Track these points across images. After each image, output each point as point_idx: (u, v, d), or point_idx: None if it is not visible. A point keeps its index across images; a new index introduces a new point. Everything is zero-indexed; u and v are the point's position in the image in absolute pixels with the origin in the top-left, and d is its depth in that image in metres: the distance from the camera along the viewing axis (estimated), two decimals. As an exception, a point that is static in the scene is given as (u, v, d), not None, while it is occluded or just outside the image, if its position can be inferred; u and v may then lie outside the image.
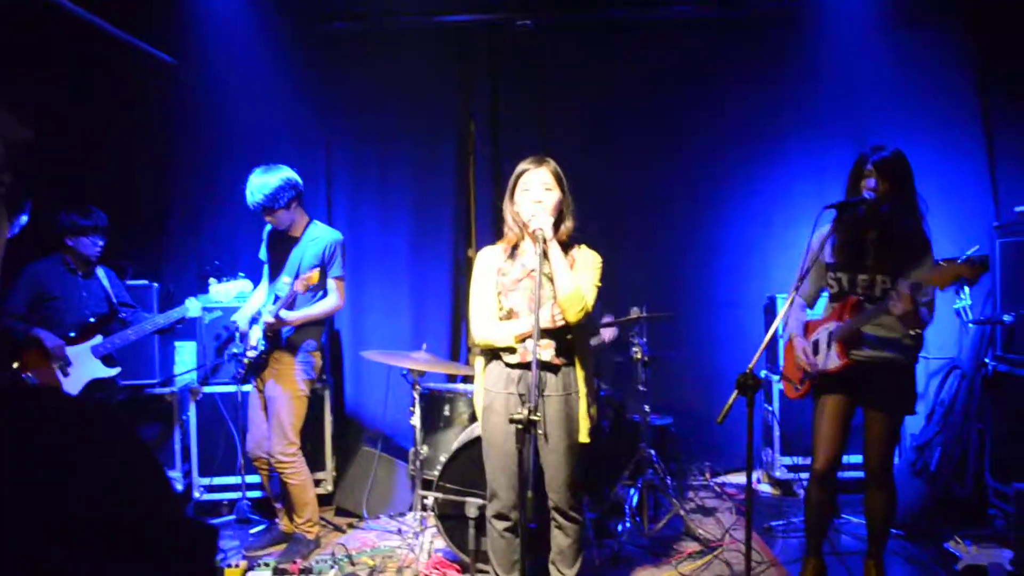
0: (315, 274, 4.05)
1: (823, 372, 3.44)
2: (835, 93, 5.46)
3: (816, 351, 3.50)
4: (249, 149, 5.10)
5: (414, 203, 5.69)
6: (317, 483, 4.76)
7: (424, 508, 4.22)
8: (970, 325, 4.79)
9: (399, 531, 4.62)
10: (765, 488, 5.41)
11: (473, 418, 4.23)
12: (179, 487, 5.06)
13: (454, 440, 4.19)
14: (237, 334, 4.31)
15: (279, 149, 4.86)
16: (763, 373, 5.39)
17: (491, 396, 3.26)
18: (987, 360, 4.71)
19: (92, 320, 4.34)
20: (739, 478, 5.47)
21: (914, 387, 3.46)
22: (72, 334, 4.26)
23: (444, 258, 5.70)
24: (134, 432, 0.86)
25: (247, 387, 4.39)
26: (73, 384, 4.22)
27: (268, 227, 4.39)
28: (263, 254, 4.43)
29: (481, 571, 3.80)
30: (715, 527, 4.59)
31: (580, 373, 3.25)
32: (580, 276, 3.18)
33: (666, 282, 5.60)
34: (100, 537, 0.76)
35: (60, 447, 0.79)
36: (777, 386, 5.19)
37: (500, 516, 3.30)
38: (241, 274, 4.46)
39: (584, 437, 3.24)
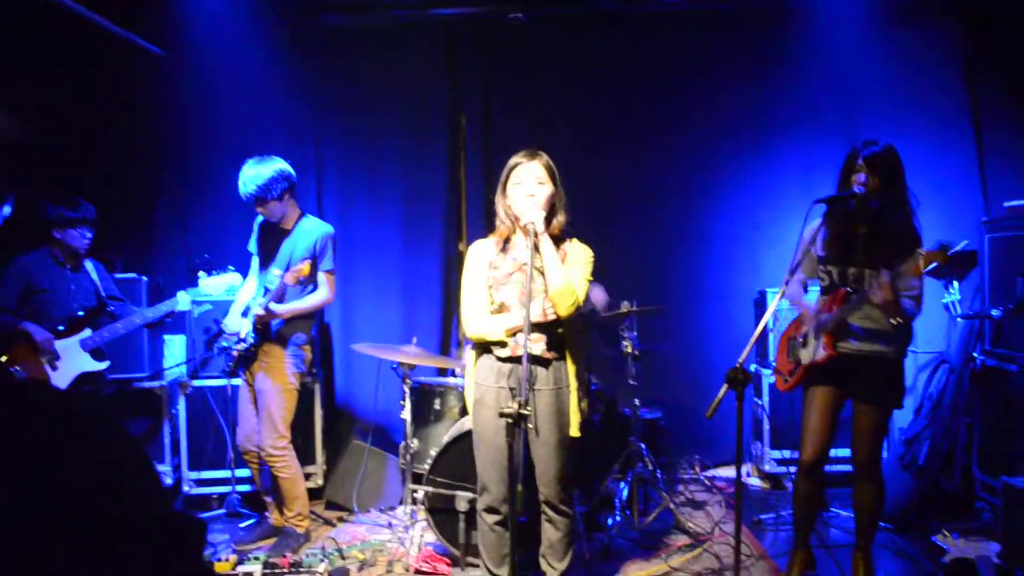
0: (306, 266, 4.04)
1: (812, 364, 3.45)
2: (826, 88, 5.47)
3: (805, 344, 3.52)
4: (239, 142, 5.07)
5: (404, 197, 5.68)
6: (307, 477, 4.76)
7: (414, 502, 4.23)
8: (959, 320, 4.81)
9: (389, 525, 4.62)
10: (755, 481, 5.43)
11: (463, 412, 4.23)
12: (168, 481, 5.04)
13: (444, 434, 4.19)
14: (226, 333, 4.29)
15: (269, 142, 4.84)
16: (753, 367, 5.41)
17: (482, 390, 3.26)
18: (975, 354, 4.73)
19: (81, 314, 4.32)
20: (729, 471, 5.49)
21: (902, 381, 3.48)
22: (61, 328, 4.24)
23: (435, 252, 5.69)
24: (122, 426, 0.85)
25: (237, 380, 4.38)
26: (62, 378, 4.20)
27: (259, 219, 4.37)
28: (252, 246, 4.41)
29: (471, 564, 3.81)
30: (705, 520, 4.61)
31: (571, 367, 3.25)
32: (571, 270, 3.18)
33: (657, 276, 5.60)
34: (88, 532, 0.76)
35: (48, 441, 0.78)
36: (767, 380, 5.21)
37: (490, 510, 3.30)
38: (231, 267, 4.44)
39: (575, 431, 3.25)
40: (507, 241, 3.30)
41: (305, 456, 4.84)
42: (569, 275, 3.15)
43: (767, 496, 5.13)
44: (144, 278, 5.14)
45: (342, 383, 5.70)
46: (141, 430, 5.04)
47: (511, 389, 3.15)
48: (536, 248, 3.09)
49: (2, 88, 4.77)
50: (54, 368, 4.19)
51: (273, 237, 4.28)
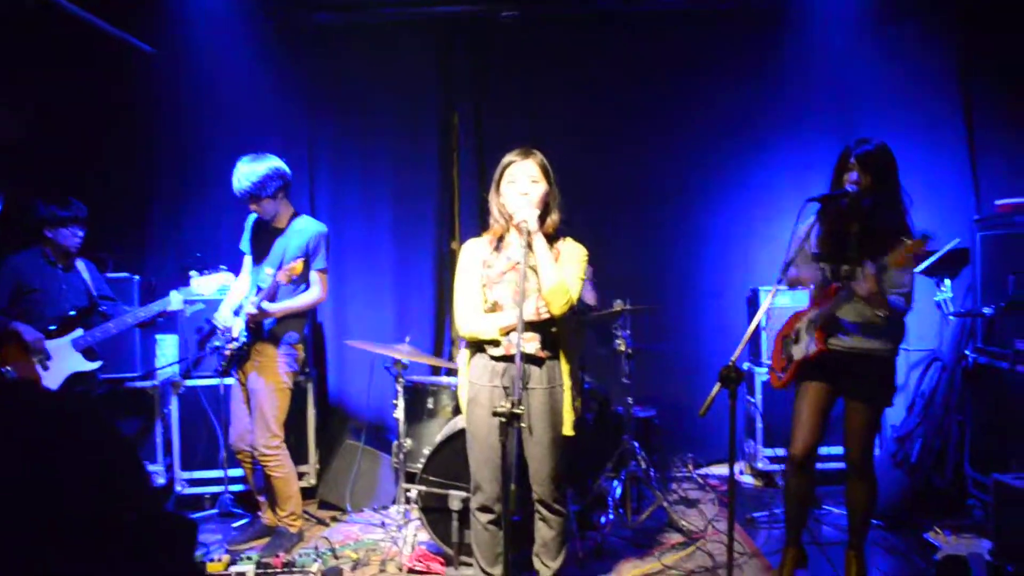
0: (299, 265, 4.03)
1: (804, 359, 3.46)
2: (820, 88, 5.49)
3: (797, 340, 3.53)
4: (231, 140, 5.07)
5: (397, 196, 5.67)
6: (300, 476, 4.75)
7: (408, 501, 4.22)
8: (951, 317, 4.82)
9: (383, 524, 4.61)
10: (747, 479, 5.44)
11: (457, 411, 4.23)
12: (161, 481, 5.03)
13: (438, 433, 4.19)
14: (219, 329, 4.28)
15: (261, 140, 4.82)
16: (746, 365, 5.42)
17: (476, 389, 3.25)
18: (967, 352, 4.75)
19: (72, 313, 4.30)
20: (722, 470, 5.50)
21: (893, 379, 3.49)
22: (52, 327, 4.22)
23: (427, 251, 5.68)
24: (114, 427, 0.85)
25: (229, 380, 4.36)
26: (53, 378, 4.18)
27: (251, 217, 4.36)
28: (245, 244, 4.40)
29: (465, 564, 3.80)
30: (698, 518, 4.61)
31: (565, 366, 3.25)
32: (565, 269, 3.18)
33: (650, 275, 5.60)
34: (82, 532, 0.75)
35: (40, 442, 0.78)
36: (760, 378, 5.22)
37: (484, 509, 3.30)
38: (223, 267, 4.43)
39: (568, 430, 3.25)
40: (501, 240, 3.29)
41: (298, 455, 4.84)
42: (563, 274, 3.14)
43: (760, 494, 5.15)
44: (136, 277, 5.12)
45: (335, 382, 5.69)
46: (133, 430, 5.01)
47: (505, 388, 3.15)
48: (529, 247, 3.09)
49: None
50: (45, 368, 4.17)
51: (266, 236, 4.27)
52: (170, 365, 5.11)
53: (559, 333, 3.23)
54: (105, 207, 4.78)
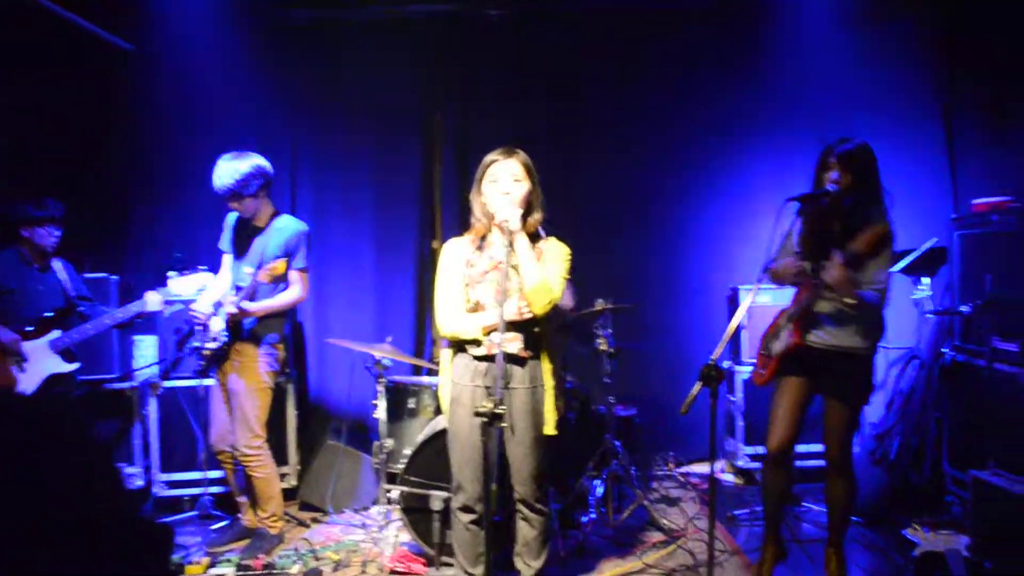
0: (280, 264, 4.01)
1: (782, 353, 3.48)
2: (801, 88, 5.52)
3: (777, 336, 3.55)
4: (210, 138, 5.03)
5: (379, 195, 5.65)
6: (281, 477, 4.72)
7: (389, 501, 4.21)
8: (929, 316, 4.86)
9: (364, 525, 4.59)
10: (728, 477, 5.47)
11: (438, 411, 4.22)
12: (140, 483, 4.98)
13: (419, 433, 4.18)
14: (198, 326, 4.25)
15: (241, 138, 4.79)
16: (726, 364, 5.44)
17: (458, 388, 3.24)
18: (945, 350, 4.79)
19: (49, 314, 4.25)
20: (703, 468, 5.53)
21: (872, 377, 3.52)
22: (29, 328, 4.18)
23: (409, 251, 5.67)
24: (88, 430, 0.84)
25: (208, 381, 4.33)
26: (30, 380, 4.14)
27: (231, 216, 4.33)
28: (225, 243, 4.37)
29: (446, 564, 3.80)
30: (679, 517, 4.63)
31: (547, 366, 3.24)
32: (548, 268, 3.18)
33: (631, 274, 5.61)
34: (54, 537, 0.74)
35: (21, 445, 0.77)
36: (740, 377, 5.25)
37: (466, 509, 3.29)
38: (202, 267, 4.38)
39: (550, 429, 3.24)
40: (483, 239, 3.29)
41: (278, 456, 4.80)
42: (545, 273, 3.14)
43: (741, 492, 5.17)
44: (114, 277, 5.08)
45: (316, 383, 5.66)
46: (111, 432, 4.97)
47: (487, 388, 3.14)
48: (511, 246, 3.08)
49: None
50: (22, 370, 4.13)
51: (245, 234, 4.24)
52: (149, 366, 5.07)
53: (541, 333, 3.23)
54: (82, 206, 4.73)
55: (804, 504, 4.71)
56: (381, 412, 4.25)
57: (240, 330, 4.16)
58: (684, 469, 5.53)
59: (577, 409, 4.71)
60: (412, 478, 3.91)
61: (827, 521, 3.67)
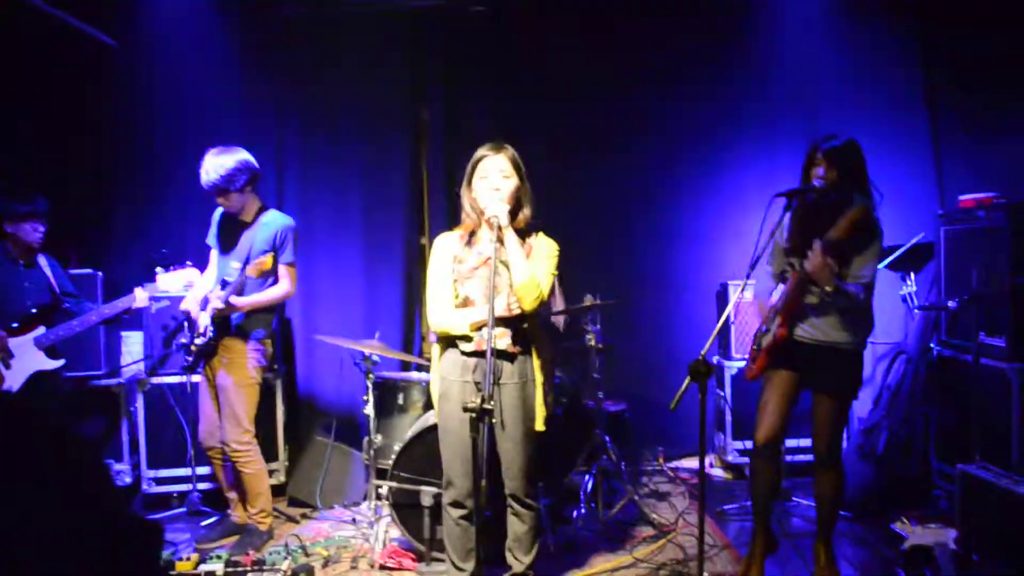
0: (268, 259, 3.99)
1: (770, 345, 3.49)
2: (787, 84, 5.52)
3: (768, 330, 3.56)
4: (196, 134, 5.02)
5: (367, 191, 5.62)
6: (270, 473, 4.70)
7: (379, 497, 4.20)
8: (916, 311, 4.89)
9: (353, 521, 4.58)
10: (718, 472, 5.48)
11: (427, 406, 4.22)
12: (128, 480, 4.96)
13: (408, 428, 4.17)
14: (185, 323, 4.23)
15: (228, 133, 4.77)
16: (715, 359, 5.45)
17: (447, 384, 3.24)
18: (932, 345, 4.83)
19: (34, 311, 4.22)
20: (692, 462, 5.54)
21: (859, 373, 3.53)
22: (14, 325, 4.14)
23: (397, 247, 5.64)
24: (75, 429, 0.83)
25: (196, 377, 4.31)
26: (16, 377, 4.11)
27: (218, 211, 4.31)
28: (212, 239, 4.35)
29: (436, 559, 3.79)
30: (669, 511, 4.64)
31: (536, 361, 3.24)
32: (536, 264, 3.18)
33: (620, 270, 5.62)
34: (41, 535, 0.74)
35: (5, 445, 0.76)
36: (729, 372, 5.26)
37: (456, 504, 3.29)
38: (189, 263, 4.36)
39: (540, 425, 3.25)
40: (472, 235, 3.28)
41: (267, 452, 4.78)
42: (534, 269, 3.14)
43: (730, 486, 5.19)
44: (100, 273, 5.04)
45: (304, 379, 5.63)
46: (99, 429, 4.95)
47: (476, 383, 3.14)
48: (500, 242, 3.08)
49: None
50: (7, 367, 4.09)
51: (232, 229, 4.22)
52: (136, 363, 5.04)
53: (531, 328, 3.23)
54: (68, 202, 4.70)
55: (793, 499, 4.73)
56: (370, 408, 4.24)
57: (228, 326, 4.14)
58: (673, 464, 5.54)
59: (566, 404, 4.71)
60: (402, 474, 3.90)
61: (816, 515, 3.68)
